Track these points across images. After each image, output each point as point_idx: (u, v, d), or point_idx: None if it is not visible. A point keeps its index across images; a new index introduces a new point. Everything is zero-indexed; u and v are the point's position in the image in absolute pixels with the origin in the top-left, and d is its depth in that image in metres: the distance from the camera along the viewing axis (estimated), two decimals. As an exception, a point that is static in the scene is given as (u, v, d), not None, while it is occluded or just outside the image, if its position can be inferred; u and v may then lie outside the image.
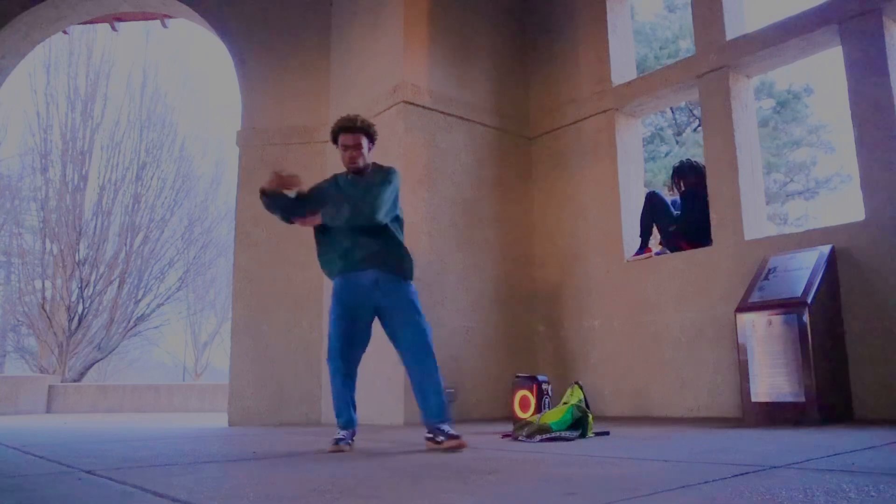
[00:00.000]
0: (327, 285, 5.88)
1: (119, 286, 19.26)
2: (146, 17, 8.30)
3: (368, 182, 3.31)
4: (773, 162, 17.22)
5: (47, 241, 18.97)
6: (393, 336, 3.28)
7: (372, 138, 3.37)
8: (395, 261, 3.26)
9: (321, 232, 3.34)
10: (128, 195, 19.85)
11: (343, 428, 3.26)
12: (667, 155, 17.20)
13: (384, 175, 3.31)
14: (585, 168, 5.78)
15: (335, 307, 3.31)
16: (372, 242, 3.23)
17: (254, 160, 6.15)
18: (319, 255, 3.38)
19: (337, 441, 3.18)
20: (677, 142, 17.79)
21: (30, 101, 21.89)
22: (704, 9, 5.13)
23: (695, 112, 17.51)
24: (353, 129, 3.30)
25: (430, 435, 3.11)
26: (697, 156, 11.05)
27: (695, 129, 17.61)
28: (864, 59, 4.22)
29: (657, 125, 18.47)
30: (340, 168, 3.47)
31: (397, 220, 3.36)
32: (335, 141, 3.37)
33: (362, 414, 3.47)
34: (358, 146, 3.30)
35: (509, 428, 3.74)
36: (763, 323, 3.91)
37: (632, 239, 5.45)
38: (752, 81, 5.15)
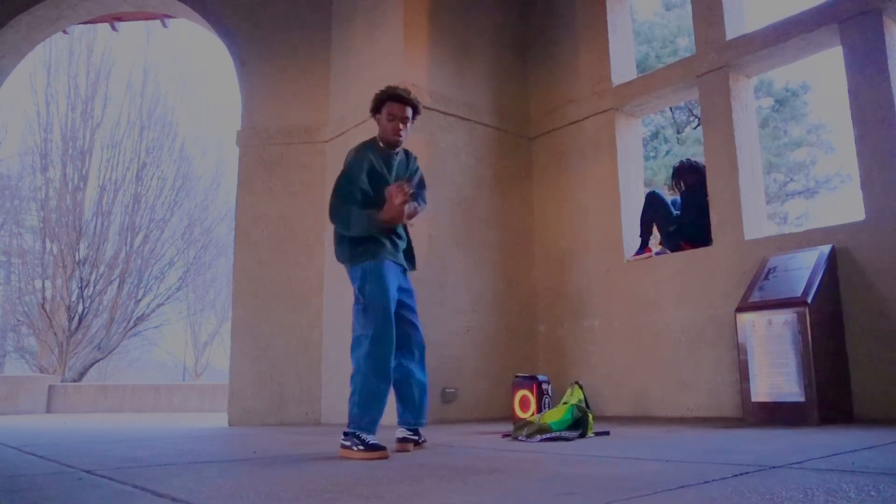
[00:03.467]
0: (327, 285, 5.92)
1: (119, 286, 19.25)
2: (146, 17, 8.30)
3: (410, 169, 3.27)
4: (773, 161, 17.22)
5: (47, 240, 18.94)
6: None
7: (414, 117, 3.19)
8: (412, 257, 3.29)
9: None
10: (128, 195, 19.84)
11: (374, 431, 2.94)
12: (667, 154, 17.20)
13: (419, 172, 3.32)
14: (585, 168, 5.78)
15: (382, 286, 2.96)
16: (405, 235, 3.25)
17: (254, 160, 6.15)
18: (359, 236, 3.02)
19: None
20: (678, 140, 17.80)
21: (30, 101, 21.85)
22: (704, 8, 5.13)
23: (694, 111, 17.51)
24: (404, 100, 3.12)
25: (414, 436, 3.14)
26: (698, 153, 11.04)
27: (695, 128, 17.61)
28: (864, 59, 4.22)
29: (658, 124, 18.47)
30: (340, 167, 3.28)
31: None
32: (377, 110, 3.14)
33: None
34: (406, 119, 3.12)
35: (509, 428, 3.74)
36: (763, 323, 3.91)
37: (632, 239, 5.45)
38: (752, 81, 5.15)
